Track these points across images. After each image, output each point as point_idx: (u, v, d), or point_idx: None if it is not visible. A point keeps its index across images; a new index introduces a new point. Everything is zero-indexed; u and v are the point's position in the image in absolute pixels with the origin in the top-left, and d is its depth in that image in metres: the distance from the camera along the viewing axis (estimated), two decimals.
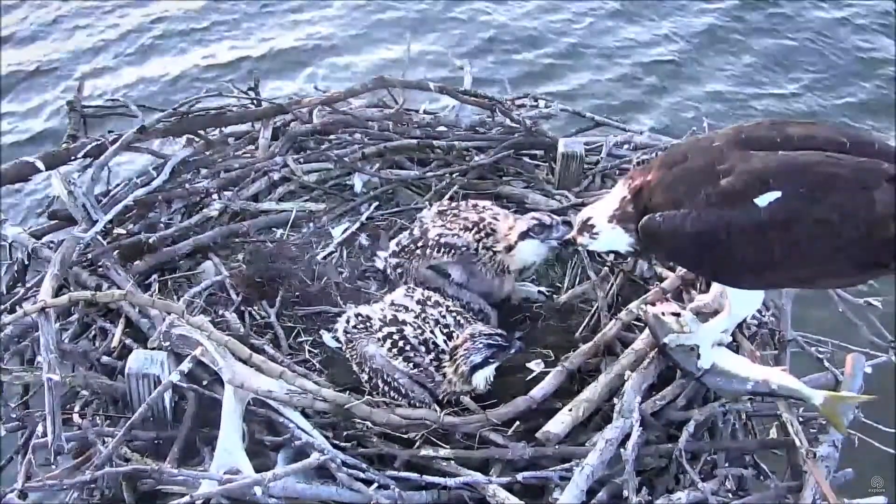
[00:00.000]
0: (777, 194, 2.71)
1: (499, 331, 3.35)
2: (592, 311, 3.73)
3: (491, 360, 3.26)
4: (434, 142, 4.74)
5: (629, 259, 3.89)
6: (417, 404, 3.27)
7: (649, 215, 2.91)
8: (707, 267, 3.03)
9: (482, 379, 3.28)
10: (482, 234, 3.74)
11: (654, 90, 8.15)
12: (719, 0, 9.29)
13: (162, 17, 9.38)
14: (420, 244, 3.80)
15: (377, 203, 4.48)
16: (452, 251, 3.74)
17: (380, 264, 3.99)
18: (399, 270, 3.85)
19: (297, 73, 8.39)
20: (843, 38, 8.68)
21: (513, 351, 3.32)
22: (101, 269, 3.76)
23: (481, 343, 3.24)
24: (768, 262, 2.80)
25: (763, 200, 2.72)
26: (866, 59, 8.44)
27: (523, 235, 3.66)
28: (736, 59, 8.54)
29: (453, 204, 3.99)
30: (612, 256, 4.03)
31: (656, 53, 8.66)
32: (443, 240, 3.76)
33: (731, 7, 9.22)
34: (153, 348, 3.22)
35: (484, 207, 3.89)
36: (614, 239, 3.10)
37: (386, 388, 3.31)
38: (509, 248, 3.70)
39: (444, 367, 3.30)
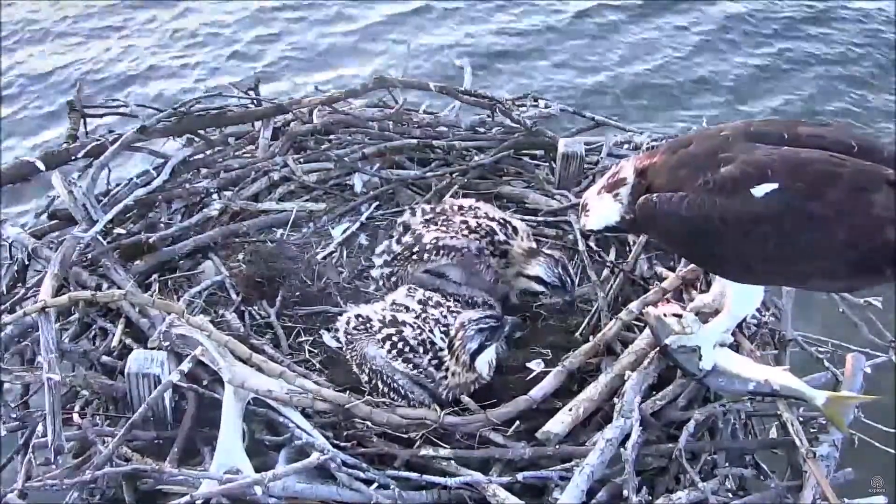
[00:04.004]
0: (774, 186, 2.71)
1: (488, 312, 3.35)
2: (593, 311, 3.73)
3: (487, 343, 3.25)
4: (434, 142, 4.74)
5: (629, 259, 3.90)
6: (417, 405, 3.26)
7: (646, 195, 2.91)
8: (698, 253, 3.02)
9: (484, 364, 3.28)
10: (486, 239, 3.70)
11: None
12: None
13: (161, 17, 9.40)
14: (415, 250, 3.75)
15: (377, 203, 4.48)
16: (451, 253, 3.70)
17: (375, 273, 3.95)
18: (393, 279, 3.83)
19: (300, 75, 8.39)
20: None
21: (507, 328, 3.32)
22: (101, 269, 3.76)
23: (472, 329, 3.25)
24: (760, 255, 2.79)
25: (759, 191, 2.71)
26: None
27: (539, 281, 3.61)
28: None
29: (437, 209, 3.92)
30: (612, 256, 4.04)
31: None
32: (440, 242, 3.71)
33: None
34: (153, 348, 3.22)
35: (471, 207, 3.86)
36: (605, 210, 3.08)
37: (386, 390, 3.31)
38: (518, 274, 3.68)
39: (446, 362, 3.29)
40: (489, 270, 3.71)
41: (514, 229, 3.78)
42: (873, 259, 2.75)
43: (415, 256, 3.74)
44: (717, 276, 3.10)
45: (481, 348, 3.25)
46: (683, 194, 2.80)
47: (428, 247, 3.72)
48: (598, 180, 3.19)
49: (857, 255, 2.74)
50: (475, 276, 3.72)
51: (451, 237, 3.72)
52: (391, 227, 4.13)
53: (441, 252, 3.70)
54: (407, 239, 3.83)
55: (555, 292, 3.63)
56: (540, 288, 3.64)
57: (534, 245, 3.78)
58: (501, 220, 3.79)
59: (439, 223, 3.81)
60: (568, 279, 3.59)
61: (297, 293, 3.88)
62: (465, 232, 3.73)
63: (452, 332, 3.30)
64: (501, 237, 3.72)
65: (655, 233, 3.05)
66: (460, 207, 3.87)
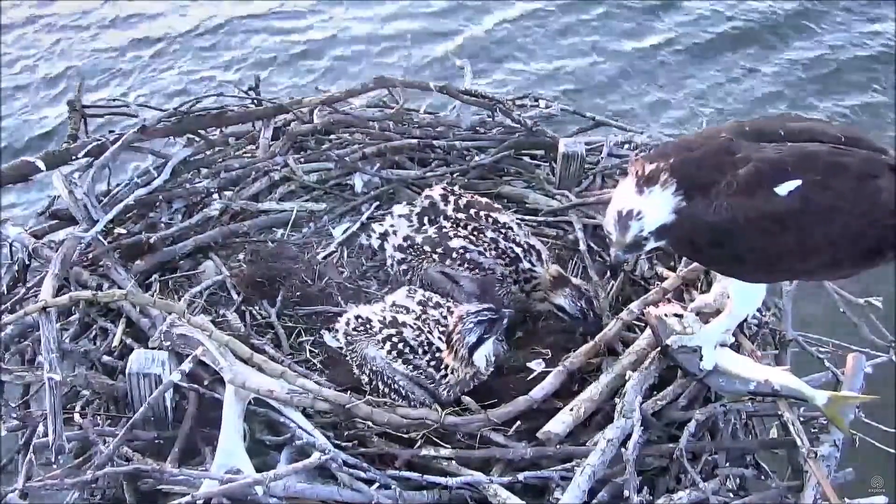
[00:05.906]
0: (797, 182, 2.70)
1: (486, 305, 3.33)
2: None
3: (486, 336, 3.24)
4: (434, 142, 4.74)
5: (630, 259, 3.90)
6: (418, 405, 3.26)
7: None
8: (720, 257, 2.91)
9: (482, 358, 3.27)
10: (510, 267, 3.67)
11: None
12: None
13: (161, 16, 9.39)
14: (440, 250, 3.69)
15: (378, 203, 4.48)
16: (476, 269, 3.65)
17: (375, 243, 3.92)
18: (404, 267, 3.79)
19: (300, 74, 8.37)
20: None
21: (504, 321, 3.31)
22: (101, 269, 3.76)
23: (471, 322, 3.23)
24: (781, 253, 2.77)
25: (783, 189, 2.70)
26: None
27: (562, 310, 3.60)
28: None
29: (471, 209, 3.80)
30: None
31: None
32: (468, 255, 3.66)
33: None
34: (154, 348, 3.22)
35: (504, 226, 3.75)
36: (660, 207, 2.78)
37: (386, 390, 3.31)
38: (544, 299, 3.67)
39: (443, 356, 3.28)
40: (508, 296, 3.67)
41: (539, 254, 3.73)
42: (879, 245, 2.79)
43: (436, 256, 3.71)
44: (732, 277, 3.03)
45: (480, 341, 3.24)
46: (708, 201, 2.74)
47: (454, 255, 3.67)
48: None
49: (866, 242, 2.77)
50: (487, 294, 3.64)
51: (480, 253, 3.67)
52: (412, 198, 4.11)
53: (466, 265, 3.66)
54: (432, 233, 3.77)
55: (574, 323, 3.61)
56: (562, 316, 3.63)
57: (562, 271, 3.74)
58: (526, 245, 3.72)
59: (469, 230, 3.74)
60: (590, 313, 3.57)
61: (298, 293, 3.88)
62: (493, 253, 3.67)
63: (451, 326, 3.28)
64: (525, 265, 3.68)
65: (674, 240, 2.92)
66: (495, 221, 3.77)
